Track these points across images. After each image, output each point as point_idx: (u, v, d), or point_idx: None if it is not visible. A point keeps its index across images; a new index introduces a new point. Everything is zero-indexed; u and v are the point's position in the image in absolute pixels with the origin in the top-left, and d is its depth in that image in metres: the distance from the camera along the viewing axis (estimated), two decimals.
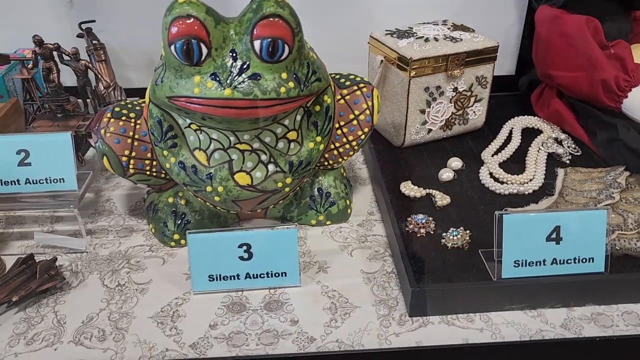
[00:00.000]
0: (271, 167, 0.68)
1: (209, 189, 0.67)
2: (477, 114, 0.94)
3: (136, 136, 0.68)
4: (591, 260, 0.64)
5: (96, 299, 0.67)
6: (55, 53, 0.83)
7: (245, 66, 0.58)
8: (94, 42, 0.91)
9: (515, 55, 1.12)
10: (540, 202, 0.77)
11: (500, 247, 0.63)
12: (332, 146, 0.73)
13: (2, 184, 0.71)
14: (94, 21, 0.94)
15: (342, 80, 0.73)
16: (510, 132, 0.95)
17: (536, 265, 0.63)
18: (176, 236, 0.74)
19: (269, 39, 0.57)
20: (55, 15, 1.00)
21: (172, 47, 0.57)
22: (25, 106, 0.82)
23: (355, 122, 0.72)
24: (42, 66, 0.86)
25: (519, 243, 0.63)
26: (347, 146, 0.73)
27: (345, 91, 0.72)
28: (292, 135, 0.68)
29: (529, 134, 0.94)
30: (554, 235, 0.63)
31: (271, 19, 0.57)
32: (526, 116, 0.98)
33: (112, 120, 0.68)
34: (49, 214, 0.80)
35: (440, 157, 0.88)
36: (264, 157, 0.67)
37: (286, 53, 0.58)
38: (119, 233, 0.78)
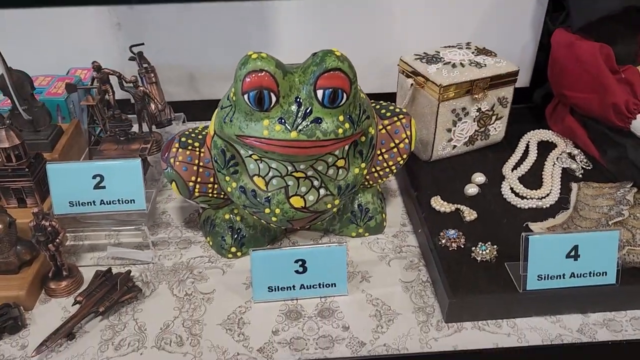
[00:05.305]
0: (322, 191, 0.76)
1: (267, 211, 0.76)
2: (498, 130, 1.02)
3: (201, 163, 0.77)
4: (604, 274, 0.73)
5: (169, 307, 0.76)
6: (117, 80, 0.90)
7: (308, 111, 0.66)
8: (145, 65, 0.98)
9: (530, 68, 1.20)
10: (557, 215, 0.86)
11: (526, 262, 0.72)
12: (373, 169, 0.82)
13: (79, 205, 0.80)
14: (142, 44, 1.02)
15: (383, 111, 0.82)
16: (527, 146, 1.04)
17: (556, 278, 0.73)
18: (233, 249, 0.83)
19: (330, 89, 0.65)
20: (105, 36, 1.08)
21: (246, 96, 0.65)
22: (89, 128, 0.90)
23: (395, 149, 0.80)
24: (98, 88, 0.94)
25: (542, 260, 0.72)
26: (387, 169, 0.82)
27: (386, 122, 0.80)
28: (340, 163, 0.76)
29: (544, 147, 1.02)
30: (572, 253, 0.72)
31: (332, 72, 0.65)
32: (541, 130, 1.06)
33: (180, 150, 0.76)
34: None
35: (464, 171, 0.97)
36: (316, 183, 0.75)
37: (344, 100, 0.67)
38: (179, 245, 0.87)
